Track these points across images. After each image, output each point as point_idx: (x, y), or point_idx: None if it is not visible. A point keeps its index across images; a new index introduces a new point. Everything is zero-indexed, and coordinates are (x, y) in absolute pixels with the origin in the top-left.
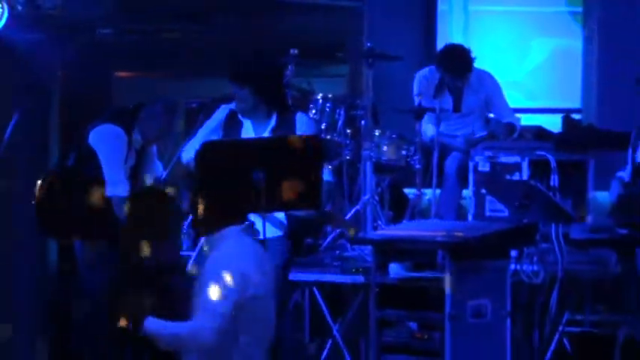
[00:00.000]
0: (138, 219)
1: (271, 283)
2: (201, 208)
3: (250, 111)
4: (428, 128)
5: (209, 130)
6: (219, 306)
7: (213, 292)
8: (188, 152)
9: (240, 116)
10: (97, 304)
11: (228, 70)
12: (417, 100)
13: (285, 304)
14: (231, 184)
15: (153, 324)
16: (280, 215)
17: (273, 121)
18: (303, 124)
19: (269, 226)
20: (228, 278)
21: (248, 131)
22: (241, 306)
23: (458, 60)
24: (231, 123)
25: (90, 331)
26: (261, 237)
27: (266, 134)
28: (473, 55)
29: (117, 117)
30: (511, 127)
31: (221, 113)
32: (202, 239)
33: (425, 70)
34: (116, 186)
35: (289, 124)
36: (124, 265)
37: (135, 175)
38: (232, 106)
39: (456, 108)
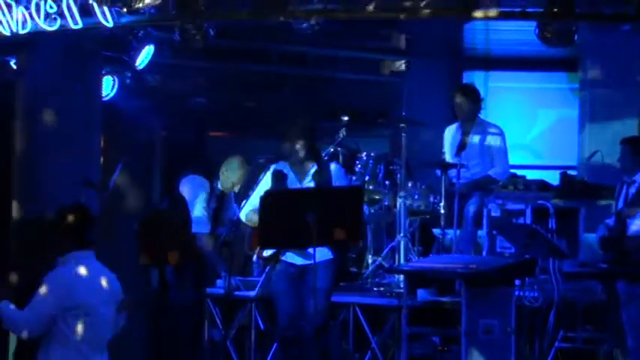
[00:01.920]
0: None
1: (104, 298)
2: (54, 237)
3: (299, 163)
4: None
5: (262, 188)
6: (39, 304)
7: (39, 294)
8: (245, 210)
9: (285, 170)
10: (181, 316)
11: (287, 129)
12: (443, 156)
13: (330, 321)
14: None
15: (4, 305)
16: None
17: (313, 169)
18: (335, 171)
19: (321, 250)
20: (52, 286)
21: (292, 180)
22: (65, 309)
23: (470, 86)
24: (279, 177)
25: (173, 336)
26: (313, 261)
27: (308, 179)
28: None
29: (202, 169)
30: (488, 180)
31: (270, 172)
32: (267, 268)
33: (453, 126)
34: (200, 225)
35: (326, 171)
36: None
37: (216, 216)
38: (277, 166)
39: (463, 146)
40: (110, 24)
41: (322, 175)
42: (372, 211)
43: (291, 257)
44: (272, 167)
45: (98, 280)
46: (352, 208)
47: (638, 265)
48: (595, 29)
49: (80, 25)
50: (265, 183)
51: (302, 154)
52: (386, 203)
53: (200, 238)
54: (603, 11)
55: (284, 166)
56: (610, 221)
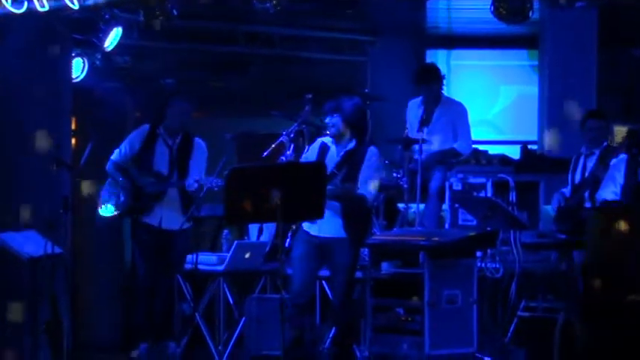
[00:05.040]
0: None
1: None
2: None
3: (338, 136)
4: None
5: (309, 157)
6: None
7: None
8: None
9: (328, 143)
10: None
11: (325, 103)
12: (406, 131)
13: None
14: None
15: None
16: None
17: (351, 145)
18: (371, 154)
19: (334, 227)
20: None
21: (332, 153)
22: None
23: (427, 69)
24: (324, 149)
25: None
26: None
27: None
28: (442, 73)
29: None
30: (452, 152)
31: (316, 145)
32: (235, 243)
33: (417, 100)
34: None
35: (361, 152)
36: None
37: None
38: (324, 139)
39: (427, 121)
40: (76, 6)
41: (355, 155)
42: None
43: (308, 227)
44: (319, 140)
45: None
46: (316, 183)
47: None
48: (552, 6)
49: (47, 8)
50: (311, 154)
51: (339, 129)
52: None
53: None
54: None
55: (330, 140)
56: (566, 191)
